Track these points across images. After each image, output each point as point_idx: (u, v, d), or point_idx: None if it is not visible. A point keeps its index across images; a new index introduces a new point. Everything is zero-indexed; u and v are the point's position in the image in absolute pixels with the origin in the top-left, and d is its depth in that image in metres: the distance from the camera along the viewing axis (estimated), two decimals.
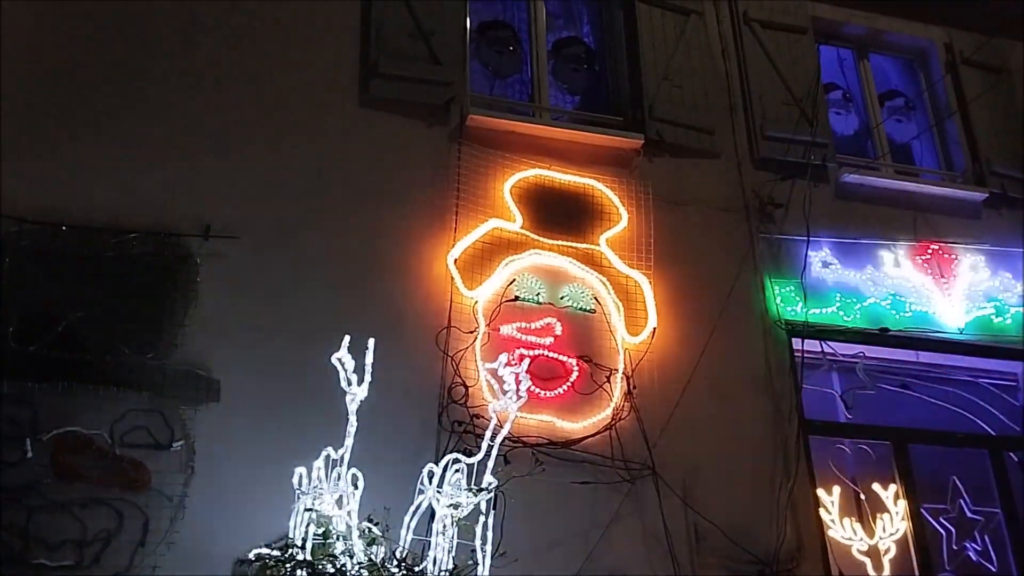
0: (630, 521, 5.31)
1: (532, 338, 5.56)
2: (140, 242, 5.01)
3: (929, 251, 6.81)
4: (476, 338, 5.42)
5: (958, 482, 6.29)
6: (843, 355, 6.39)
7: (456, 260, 5.57)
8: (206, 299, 5.01)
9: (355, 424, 3.88)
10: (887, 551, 5.85)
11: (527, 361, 5.36)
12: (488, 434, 4.21)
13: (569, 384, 5.49)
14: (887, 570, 5.78)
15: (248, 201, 5.38)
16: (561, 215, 5.96)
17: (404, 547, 3.48)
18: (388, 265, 5.49)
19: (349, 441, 3.80)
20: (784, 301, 6.24)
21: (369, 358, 4.02)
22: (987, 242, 7.04)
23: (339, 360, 3.86)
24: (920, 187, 7.12)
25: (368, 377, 4.01)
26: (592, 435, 5.42)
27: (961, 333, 6.63)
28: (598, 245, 5.93)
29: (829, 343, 6.33)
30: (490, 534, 3.69)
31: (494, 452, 4.06)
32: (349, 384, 3.87)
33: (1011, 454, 6.60)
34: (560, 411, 5.42)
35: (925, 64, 7.89)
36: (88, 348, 4.65)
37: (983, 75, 7.66)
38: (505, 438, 5.12)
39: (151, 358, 4.72)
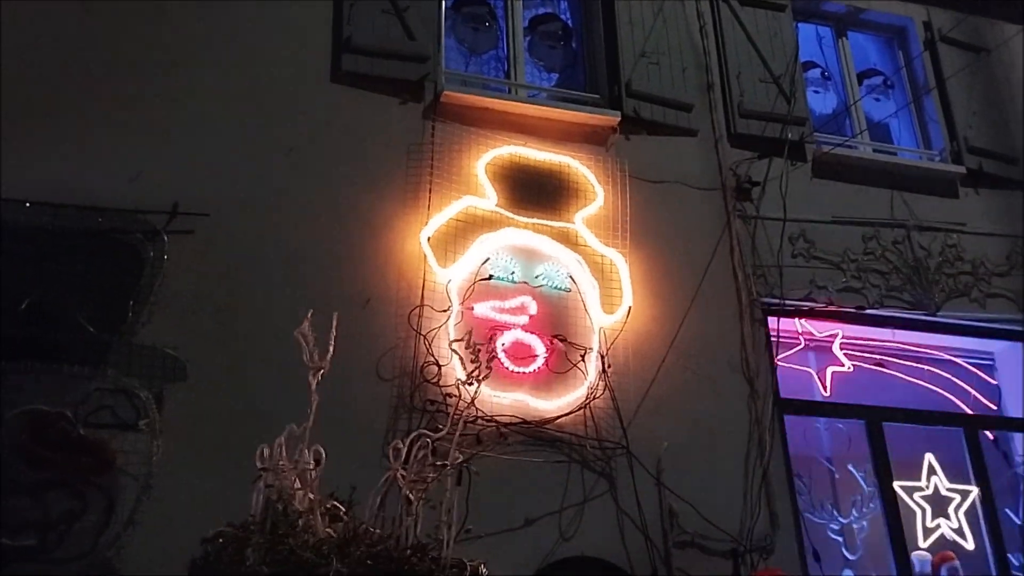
0: (604, 501, 5.29)
1: (506, 317, 5.51)
2: (107, 219, 4.92)
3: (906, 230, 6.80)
4: (449, 317, 5.36)
5: (933, 460, 6.30)
6: (819, 334, 6.38)
7: (429, 238, 5.50)
8: (174, 277, 4.93)
9: (316, 399, 3.80)
10: (861, 529, 5.86)
11: (501, 341, 5.39)
12: (452, 410, 4.15)
13: (543, 363, 5.44)
14: (861, 548, 5.80)
15: (218, 178, 5.29)
16: (536, 193, 5.89)
17: (367, 525, 3.41)
18: (359, 243, 5.42)
19: (311, 417, 3.73)
20: (760, 280, 6.20)
21: (333, 332, 3.93)
22: (964, 220, 7.03)
23: (301, 334, 3.79)
24: (897, 164, 7.09)
25: (331, 351, 3.92)
26: (566, 414, 5.38)
27: (937, 312, 6.62)
28: (573, 223, 5.87)
29: (805, 322, 6.32)
30: (455, 511, 3.62)
31: (459, 428, 4.01)
32: (311, 359, 3.79)
33: (986, 432, 6.63)
34: (534, 390, 5.38)
35: (904, 42, 7.86)
36: (52, 326, 4.57)
37: (962, 53, 7.64)
38: (478, 417, 5.19)
39: (117, 336, 4.65)
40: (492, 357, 4.61)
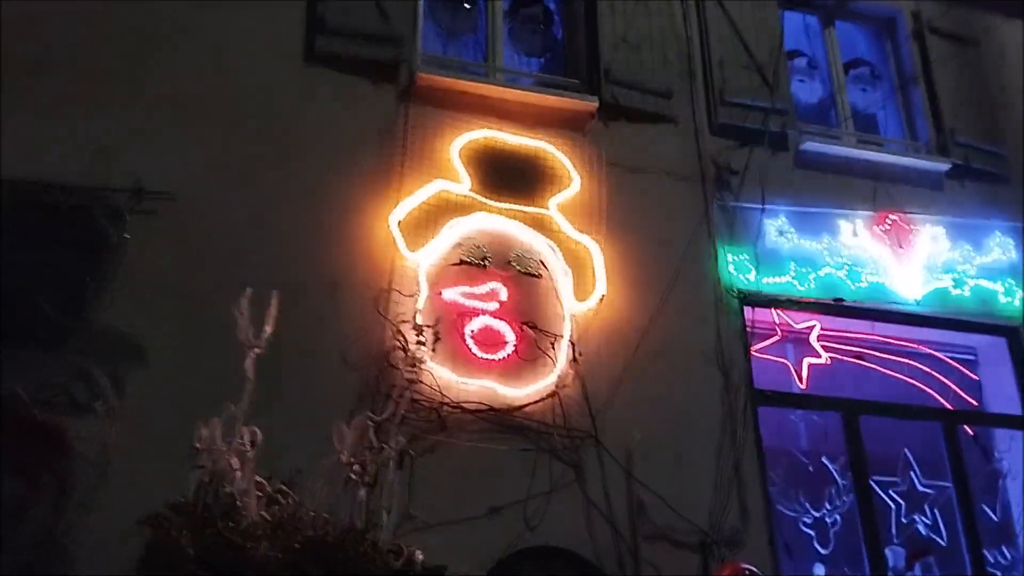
0: (571, 491, 5.22)
1: (476, 303, 5.43)
2: (68, 197, 4.84)
3: (888, 221, 6.69)
4: (417, 302, 5.28)
5: (909, 455, 6.23)
6: (797, 326, 6.30)
7: (399, 222, 5.42)
8: (135, 258, 4.86)
9: (252, 378, 3.72)
10: (834, 524, 5.79)
11: (469, 327, 5.33)
12: (395, 392, 4.09)
13: (512, 350, 5.36)
14: (833, 543, 5.73)
15: (184, 159, 5.21)
16: (511, 178, 5.81)
17: (309, 509, 3.34)
18: (328, 226, 5.34)
19: (246, 397, 3.65)
20: (737, 269, 6.12)
21: (272, 311, 3.84)
22: (948, 213, 6.93)
23: (238, 311, 3.71)
24: (881, 156, 7.00)
25: (268, 330, 3.84)
26: (535, 402, 5.31)
27: (918, 305, 6.53)
28: (548, 209, 5.79)
29: (783, 313, 6.24)
30: (395, 495, 3.55)
31: (399, 409, 3.94)
32: (247, 338, 3.72)
33: (966, 428, 6.55)
34: (502, 377, 5.30)
35: (892, 33, 7.75)
36: (8, 307, 4.49)
37: (950, 44, 7.54)
38: (444, 403, 5.13)
39: (75, 318, 4.57)
40: (437, 337, 4.52)
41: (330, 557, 3.14)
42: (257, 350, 3.70)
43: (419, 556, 3.41)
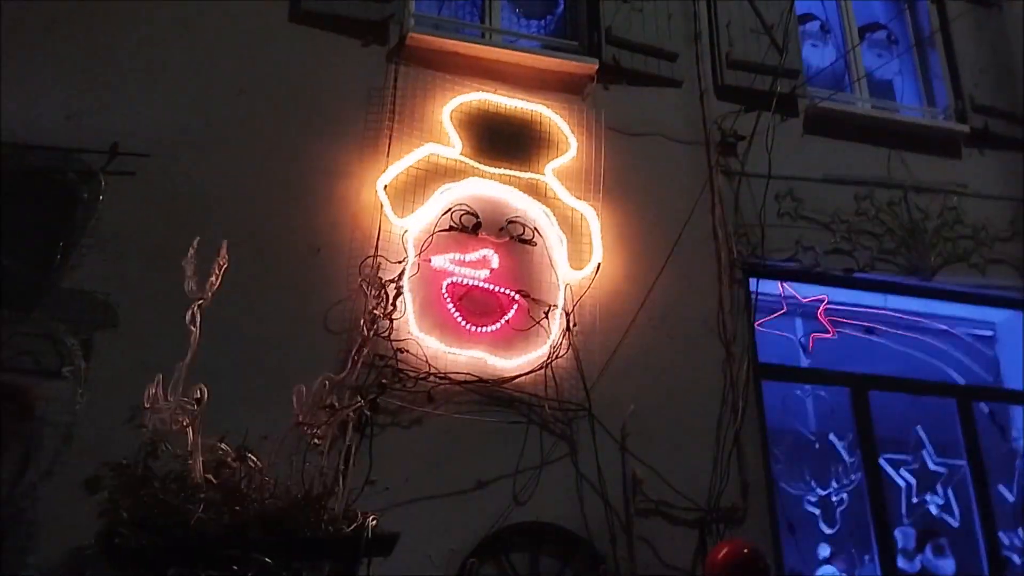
0: (563, 464, 5.02)
1: (466, 270, 5.23)
2: (42, 158, 4.68)
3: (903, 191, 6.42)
4: (404, 268, 5.08)
5: (922, 433, 5.98)
6: (804, 298, 6.05)
7: (387, 186, 5.21)
8: (109, 219, 4.69)
9: (197, 332, 3.54)
10: (840, 502, 5.56)
11: (458, 295, 5.14)
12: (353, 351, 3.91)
13: (503, 319, 5.16)
14: (840, 522, 5.50)
15: (162, 119, 5.03)
16: (505, 142, 5.59)
17: (264, 473, 3.16)
18: (312, 190, 5.15)
19: (190, 353, 3.48)
20: (742, 239, 5.87)
21: (219, 260, 3.66)
22: (966, 181, 6.65)
23: (187, 263, 3.54)
24: (896, 120, 6.71)
25: (216, 282, 3.66)
26: (526, 373, 5.10)
27: (933, 277, 6.25)
28: (543, 175, 5.57)
29: (790, 285, 5.99)
30: (353, 459, 3.36)
31: (356, 369, 3.76)
32: (191, 290, 3.54)
33: (982, 404, 6.29)
34: (493, 348, 5.10)
35: None
36: None
37: (971, 7, 7.22)
38: (432, 374, 4.94)
39: (43, 278, 4.40)
40: (398, 293, 4.32)
41: (277, 522, 2.95)
42: (200, 302, 3.49)
43: (372, 522, 3.21)
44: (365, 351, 4.05)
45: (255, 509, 2.96)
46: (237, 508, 2.90)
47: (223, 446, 3.17)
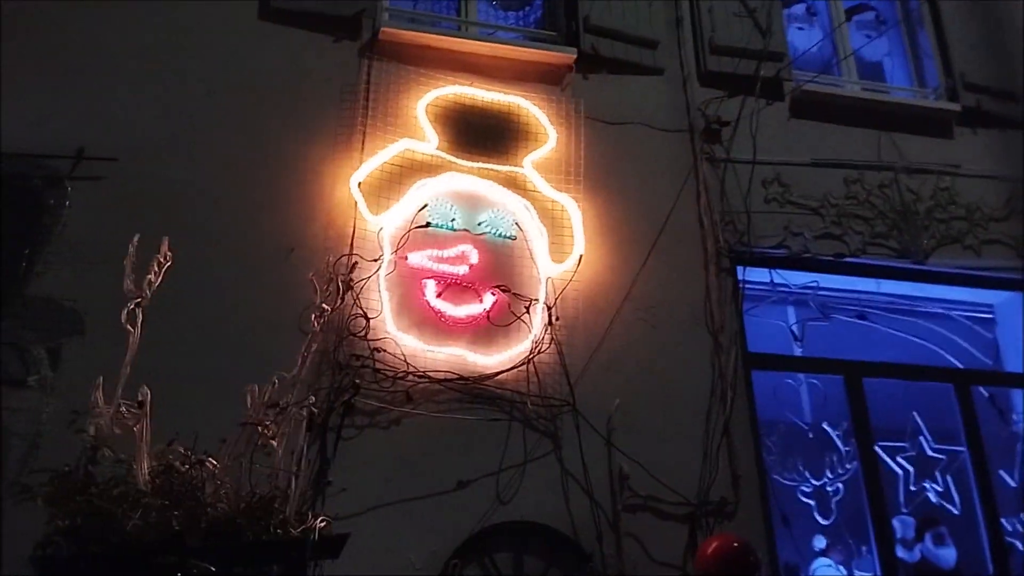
0: (547, 462, 4.91)
1: (444, 267, 5.13)
2: (6, 164, 4.60)
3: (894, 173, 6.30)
4: (380, 267, 4.99)
5: (918, 419, 5.85)
6: (795, 285, 5.93)
7: (360, 184, 5.12)
8: (76, 225, 4.62)
9: (136, 333, 3.45)
10: (836, 493, 5.43)
11: (436, 292, 5.04)
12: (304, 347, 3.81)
13: (483, 315, 5.06)
14: (836, 512, 5.38)
15: (129, 122, 4.95)
16: (482, 136, 5.49)
17: (218, 476, 3.06)
18: (284, 190, 5.06)
19: (129, 354, 3.39)
20: (729, 226, 5.76)
21: (160, 258, 3.58)
22: (959, 162, 6.51)
23: (127, 261, 3.46)
24: (885, 101, 6.58)
25: (157, 280, 3.58)
26: (507, 370, 4.99)
27: (928, 260, 6.12)
28: (522, 167, 5.46)
29: (779, 272, 5.86)
30: (304, 459, 3.26)
31: (305, 367, 3.67)
32: (129, 286, 3.46)
33: (981, 389, 6.14)
34: (473, 344, 5.00)
35: None
36: None
37: None
38: (410, 372, 4.85)
39: (8, 286, 4.32)
40: (349, 286, 4.23)
41: (222, 527, 2.86)
42: (138, 300, 3.40)
43: (321, 523, 3.11)
44: (315, 347, 3.92)
45: (202, 514, 2.86)
46: (177, 513, 2.80)
47: (181, 450, 3.08)
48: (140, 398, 3.18)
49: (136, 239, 3.67)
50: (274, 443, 3.21)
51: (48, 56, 4.97)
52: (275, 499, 3.06)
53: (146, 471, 2.96)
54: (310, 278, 4.19)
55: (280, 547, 2.94)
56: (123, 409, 3.10)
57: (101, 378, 3.34)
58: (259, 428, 3.16)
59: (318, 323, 3.90)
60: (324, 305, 3.82)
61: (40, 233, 4.51)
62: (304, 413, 3.37)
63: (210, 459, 3.21)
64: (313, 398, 3.58)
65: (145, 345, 4.40)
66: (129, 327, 3.48)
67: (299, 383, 3.60)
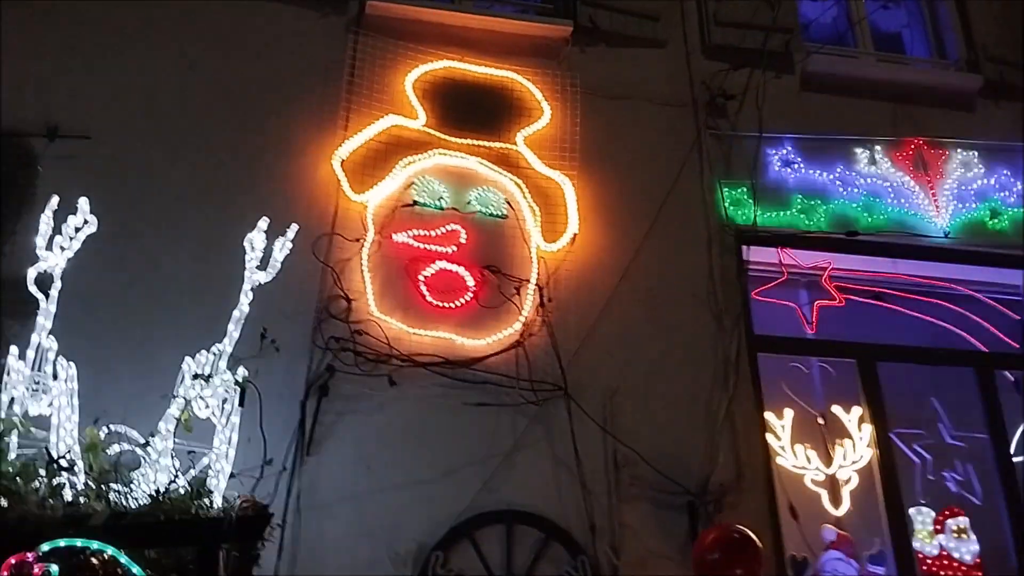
0: (538, 449, 4.69)
1: (431, 246, 4.94)
2: None
3: (912, 147, 5.99)
4: (363, 246, 4.80)
5: (937, 404, 5.54)
6: (806, 265, 5.65)
7: (343, 161, 4.95)
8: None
9: (46, 300, 3.28)
10: (848, 481, 5.14)
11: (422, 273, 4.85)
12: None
13: (471, 296, 4.86)
14: (847, 502, 5.09)
15: (106, 99, 4.84)
16: (473, 112, 5.30)
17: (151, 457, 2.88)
18: (265, 168, 4.91)
19: (46, 331, 3.22)
20: (733, 204, 5.50)
21: (80, 223, 3.51)
22: (982, 136, 6.18)
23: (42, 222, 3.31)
24: (902, 75, 6.27)
25: (68, 252, 3.42)
26: (497, 353, 4.79)
27: (948, 238, 5.81)
28: (515, 144, 5.26)
29: (789, 252, 5.59)
30: (231, 438, 3.06)
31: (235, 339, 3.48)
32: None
33: (1007, 373, 5.80)
34: (460, 327, 4.80)
35: None
36: None
37: None
38: (394, 356, 4.65)
39: None
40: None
41: (141, 509, 2.68)
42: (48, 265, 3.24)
43: (240, 502, 2.91)
44: (242, 320, 3.73)
45: (121, 496, 2.68)
46: (83, 499, 2.62)
47: (109, 428, 2.90)
48: (56, 371, 3.00)
49: (55, 200, 3.48)
50: (198, 415, 3.01)
51: (16, 29, 4.83)
52: (204, 480, 2.87)
53: (67, 450, 2.78)
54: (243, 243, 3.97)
55: (192, 528, 2.74)
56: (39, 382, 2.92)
57: (15, 348, 3.16)
58: (188, 405, 2.96)
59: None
60: (254, 273, 3.58)
61: (9, 213, 4.36)
62: (235, 387, 3.16)
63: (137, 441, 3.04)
64: (245, 371, 3.37)
65: (110, 322, 4.31)
66: (40, 294, 3.29)
67: (227, 356, 3.37)
